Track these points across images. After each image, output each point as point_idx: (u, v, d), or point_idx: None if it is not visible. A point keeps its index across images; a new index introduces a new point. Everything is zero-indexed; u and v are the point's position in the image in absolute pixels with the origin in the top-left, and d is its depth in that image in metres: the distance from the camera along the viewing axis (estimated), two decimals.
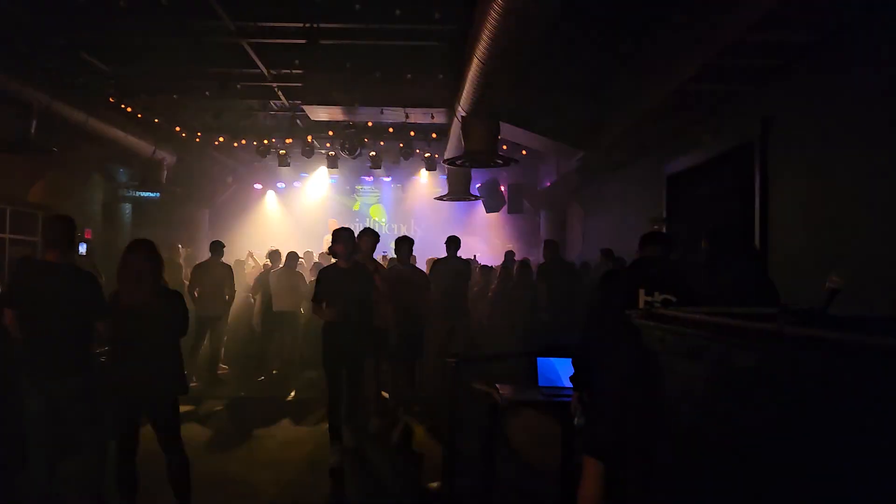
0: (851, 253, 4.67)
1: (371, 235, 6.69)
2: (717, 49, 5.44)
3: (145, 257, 4.02)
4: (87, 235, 11.79)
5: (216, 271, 9.09)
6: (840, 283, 1.79)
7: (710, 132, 7.18)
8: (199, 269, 9.20)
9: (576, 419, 3.91)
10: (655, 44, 7.00)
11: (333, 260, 5.97)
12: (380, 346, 6.72)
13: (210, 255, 9.20)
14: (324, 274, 6.00)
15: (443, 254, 8.49)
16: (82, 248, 8.49)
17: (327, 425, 5.73)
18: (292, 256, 9.61)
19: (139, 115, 11.51)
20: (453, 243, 8.53)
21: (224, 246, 9.38)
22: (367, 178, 18.07)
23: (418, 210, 17.93)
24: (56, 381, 3.98)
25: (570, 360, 4.10)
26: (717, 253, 4.33)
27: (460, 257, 8.67)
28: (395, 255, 7.85)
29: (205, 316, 8.84)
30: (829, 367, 1.43)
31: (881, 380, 1.28)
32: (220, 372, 9.28)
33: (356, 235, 6.19)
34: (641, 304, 3.54)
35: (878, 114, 4.48)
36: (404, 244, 7.47)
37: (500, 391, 4.64)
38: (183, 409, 4.32)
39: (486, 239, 16.79)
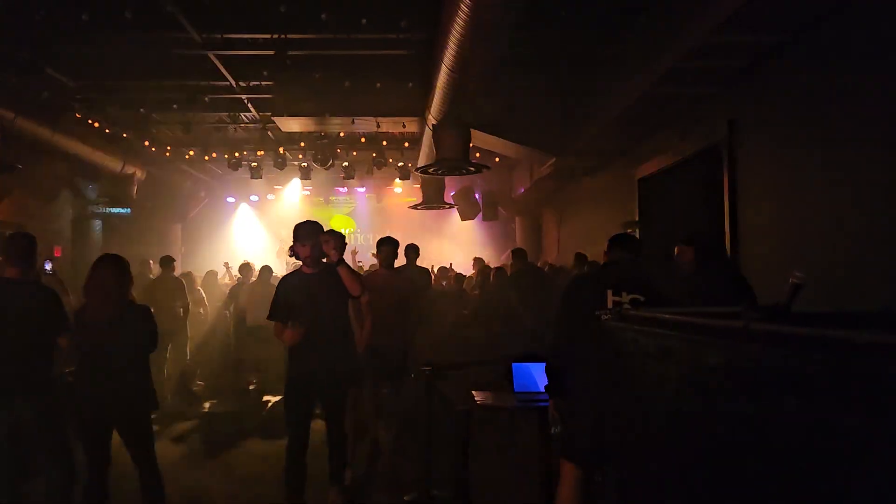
0: (820, 251, 4.72)
1: (339, 237, 4.96)
2: (681, 53, 5.48)
3: (112, 272, 3.99)
4: (57, 253, 11.60)
5: (167, 286, 9.01)
6: (803, 279, 1.79)
7: (679, 135, 7.25)
8: (152, 284, 9.13)
9: (552, 428, 3.91)
10: (622, 49, 7.06)
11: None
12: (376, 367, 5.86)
13: (161, 269, 9.16)
14: (284, 283, 4.86)
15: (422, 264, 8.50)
16: (48, 266, 8.33)
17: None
18: (266, 270, 9.53)
19: (107, 130, 11.37)
20: (412, 251, 8.50)
21: (174, 260, 9.41)
22: (341, 189, 18.01)
23: (394, 220, 17.89)
24: (18, 400, 3.90)
25: (544, 365, 4.09)
26: (702, 260, 4.36)
27: (419, 266, 8.66)
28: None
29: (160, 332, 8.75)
30: (794, 362, 1.42)
31: (845, 373, 1.27)
32: (195, 388, 9.15)
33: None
34: (609, 305, 3.54)
35: (842, 113, 4.54)
36: (384, 245, 6.61)
37: (477, 398, 4.62)
38: (157, 425, 4.25)
39: (462, 246, 16.79)
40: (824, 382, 1.33)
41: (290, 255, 4.85)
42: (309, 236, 4.67)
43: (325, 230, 4.80)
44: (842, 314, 2.19)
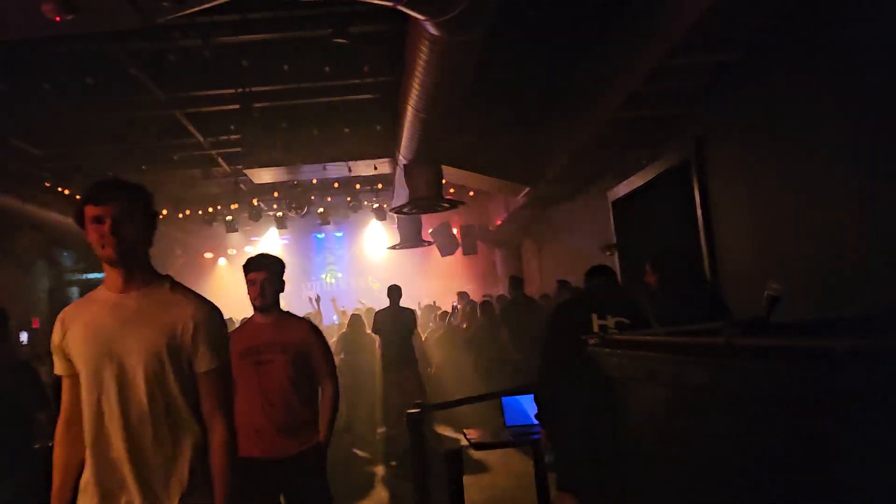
0: (796, 261, 4.75)
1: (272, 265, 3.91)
2: (641, 76, 5.56)
3: None
4: (35, 325, 11.44)
5: None
6: (779, 290, 1.79)
7: (649, 156, 7.32)
8: None
9: (546, 457, 3.87)
10: (584, 77, 7.15)
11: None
12: None
13: None
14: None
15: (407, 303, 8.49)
16: (23, 337, 8.25)
17: None
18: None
19: (77, 197, 11.27)
20: (394, 292, 8.53)
21: None
22: (318, 236, 17.97)
23: (373, 262, 17.84)
24: None
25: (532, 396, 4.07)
26: (666, 279, 4.34)
27: (402, 306, 8.67)
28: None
29: None
30: (777, 374, 1.41)
31: (828, 380, 1.27)
32: None
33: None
34: (595, 328, 3.54)
35: (804, 122, 4.60)
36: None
37: (468, 435, 4.57)
38: None
39: (445, 283, 16.74)
40: (808, 391, 1.32)
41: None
42: (262, 270, 3.83)
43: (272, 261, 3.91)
44: (821, 322, 2.20)
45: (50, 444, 4.33)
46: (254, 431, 3.61)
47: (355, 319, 9.74)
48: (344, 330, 9.82)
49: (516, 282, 9.50)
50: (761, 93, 5.13)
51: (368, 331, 9.16)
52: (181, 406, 2.31)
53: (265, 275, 3.81)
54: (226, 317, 8.18)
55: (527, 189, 10.26)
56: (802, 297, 2.77)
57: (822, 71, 4.35)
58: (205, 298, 2.45)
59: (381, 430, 8.70)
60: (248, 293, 3.83)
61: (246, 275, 3.85)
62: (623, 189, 8.18)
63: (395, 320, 8.41)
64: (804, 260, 4.62)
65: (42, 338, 10.61)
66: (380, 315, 8.64)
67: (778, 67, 4.86)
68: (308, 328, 3.97)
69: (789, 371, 1.36)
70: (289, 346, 3.77)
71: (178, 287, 2.45)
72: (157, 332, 2.29)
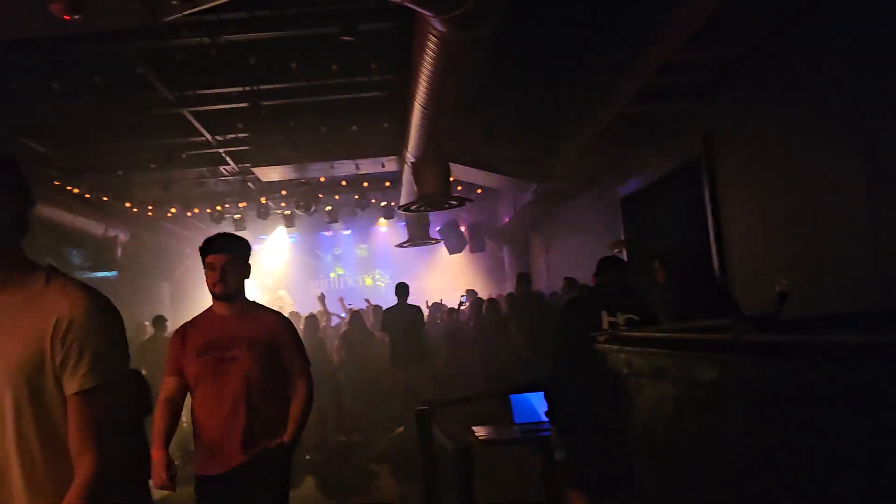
0: (806, 257, 4.72)
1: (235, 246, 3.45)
2: (649, 71, 5.53)
3: None
4: None
5: (160, 346, 8.96)
6: (789, 286, 1.78)
7: (658, 152, 7.29)
8: (144, 346, 9.05)
9: (556, 453, 3.87)
10: (592, 72, 7.12)
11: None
12: None
13: (153, 330, 9.09)
14: (179, 336, 3.38)
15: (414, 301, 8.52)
16: None
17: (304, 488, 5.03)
18: None
19: (87, 196, 11.34)
20: (402, 289, 8.56)
21: (167, 320, 9.32)
22: (326, 234, 17.97)
23: (381, 259, 17.85)
24: None
25: (543, 394, 4.06)
26: (674, 276, 4.31)
27: (410, 304, 8.70)
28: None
29: (154, 394, 8.65)
30: (788, 369, 1.40)
31: (838, 376, 1.26)
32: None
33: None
34: (606, 326, 3.53)
35: (814, 117, 4.58)
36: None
37: (477, 433, 4.57)
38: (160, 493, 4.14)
39: (453, 280, 16.74)
40: (820, 386, 1.31)
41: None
42: (222, 252, 3.30)
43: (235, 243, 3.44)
44: (832, 317, 2.18)
45: None
46: (212, 443, 3.20)
47: (355, 317, 9.75)
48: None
49: (524, 278, 9.51)
50: (772, 88, 5.10)
51: (370, 328, 9.19)
52: (63, 442, 1.69)
53: (226, 258, 3.27)
54: None
55: (535, 186, 10.24)
56: (812, 293, 2.75)
57: (833, 66, 4.33)
58: (91, 289, 1.80)
59: (394, 427, 8.72)
60: (206, 280, 3.28)
61: (203, 258, 3.29)
62: (632, 186, 8.15)
63: (403, 318, 8.44)
64: (814, 256, 4.60)
65: None
66: (388, 313, 8.67)
67: (789, 62, 4.83)
68: (278, 320, 3.46)
69: (801, 366, 1.35)
70: (257, 342, 3.26)
71: (56, 277, 1.80)
72: (22, 340, 1.67)
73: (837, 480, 1.31)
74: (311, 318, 9.21)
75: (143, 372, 8.75)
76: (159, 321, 9.21)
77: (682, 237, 6.75)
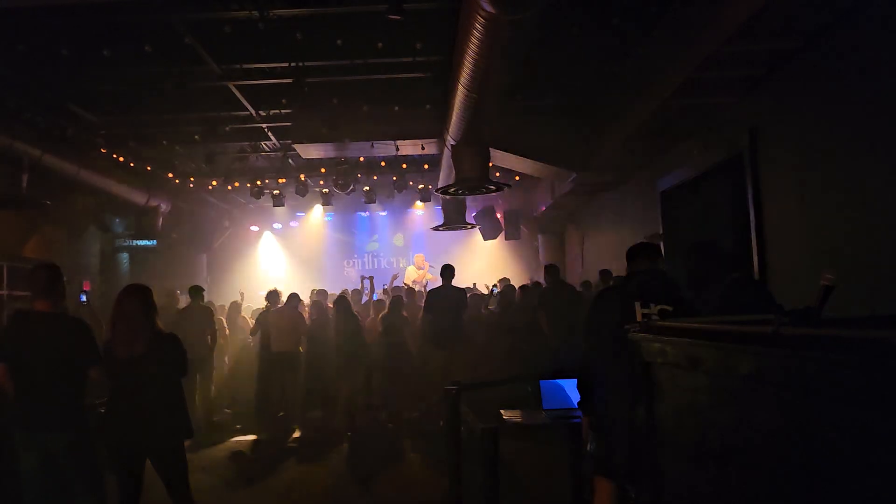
0: (849, 257, 4.63)
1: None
2: (696, 63, 5.45)
3: (138, 302, 4.00)
4: (86, 287, 11.74)
5: (196, 315, 9.14)
6: (833, 280, 1.75)
7: (700, 146, 7.19)
8: (180, 314, 9.34)
9: (588, 444, 3.84)
10: (637, 62, 7.04)
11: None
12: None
13: (190, 299, 9.31)
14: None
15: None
16: (83, 298, 8.52)
17: (332, 462, 5.32)
18: (293, 297, 9.58)
19: (131, 164, 11.53)
20: (448, 271, 8.58)
21: (203, 290, 9.61)
22: (362, 214, 18.05)
23: (415, 242, 17.88)
24: (50, 434, 3.90)
25: (574, 380, 4.05)
26: (707, 268, 4.25)
27: (456, 286, 8.71)
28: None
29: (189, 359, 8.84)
30: (827, 365, 1.38)
31: (880, 375, 1.23)
32: (217, 419, 9.28)
33: None
34: (639, 318, 3.49)
35: (863, 115, 4.47)
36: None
37: (505, 416, 4.57)
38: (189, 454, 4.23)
39: (486, 267, 16.72)
40: (860, 383, 1.29)
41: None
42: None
43: None
44: (874, 318, 2.14)
45: (97, 402, 4.49)
46: None
47: (396, 301, 9.76)
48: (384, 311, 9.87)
49: (552, 269, 9.48)
50: (820, 84, 5.00)
51: (404, 313, 9.22)
52: None
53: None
54: (276, 288, 7.99)
55: (574, 175, 10.17)
56: (855, 293, 2.70)
57: (886, 62, 4.22)
58: None
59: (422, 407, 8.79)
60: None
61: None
62: (672, 179, 8.05)
63: (449, 299, 8.49)
64: (858, 256, 4.51)
65: (93, 300, 10.90)
66: (432, 293, 8.70)
67: (839, 58, 4.72)
68: None
69: (841, 362, 1.33)
70: None
71: None
72: None
73: (872, 480, 1.29)
74: (342, 299, 9.25)
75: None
76: (196, 291, 9.38)
77: (722, 232, 6.66)
